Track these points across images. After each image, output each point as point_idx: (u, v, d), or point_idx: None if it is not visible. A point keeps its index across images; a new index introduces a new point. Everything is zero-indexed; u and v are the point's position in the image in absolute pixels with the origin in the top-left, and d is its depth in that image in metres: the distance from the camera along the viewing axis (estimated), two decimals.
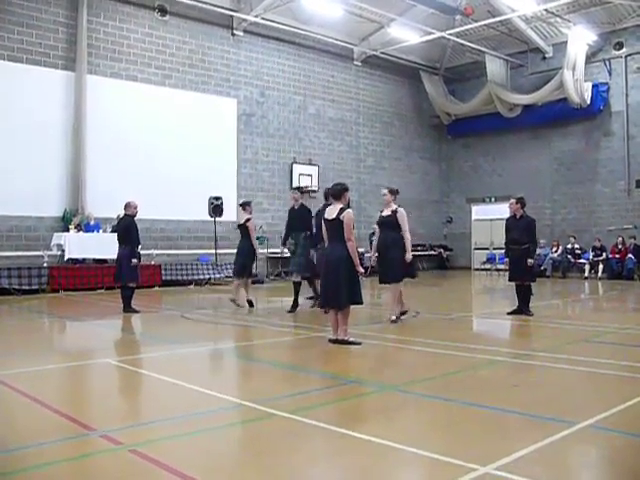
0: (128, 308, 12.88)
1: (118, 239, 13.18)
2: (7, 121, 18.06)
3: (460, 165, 30.46)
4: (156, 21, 21.32)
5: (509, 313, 12.12)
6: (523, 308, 12.04)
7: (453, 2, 23.85)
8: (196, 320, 12.07)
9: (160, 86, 21.33)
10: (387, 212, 10.97)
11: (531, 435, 4.73)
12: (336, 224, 8.69)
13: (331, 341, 8.92)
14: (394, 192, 11.28)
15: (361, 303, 9.00)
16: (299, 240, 12.68)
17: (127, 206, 13.17)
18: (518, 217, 12.16)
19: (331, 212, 8.82)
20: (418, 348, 8.94)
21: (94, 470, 4.30)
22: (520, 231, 11.98)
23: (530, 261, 11.82)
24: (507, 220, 12.44)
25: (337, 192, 8.93)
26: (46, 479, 4.11)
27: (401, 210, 10.83)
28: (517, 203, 12.20)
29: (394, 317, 10.84)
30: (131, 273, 12.78)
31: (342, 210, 8.70)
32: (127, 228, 12.89)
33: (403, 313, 11.23)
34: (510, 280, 12.38)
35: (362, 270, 8.91)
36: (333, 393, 6.36)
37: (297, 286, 12.75)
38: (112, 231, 18.93)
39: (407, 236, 10.75)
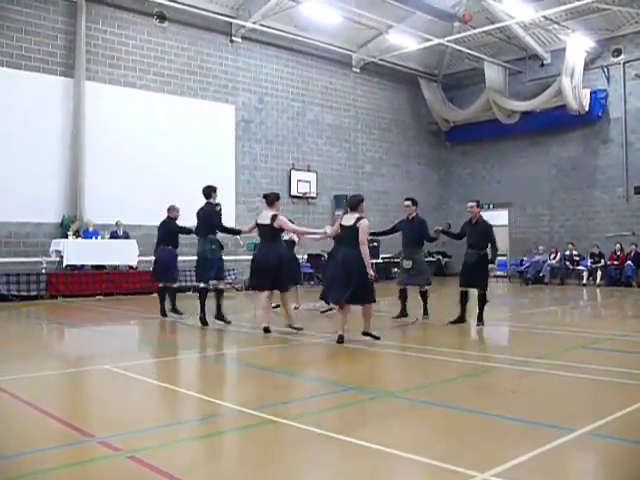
0: (174, 308, 13.25)
1: (160, 239, 13.47)
2: (6, 127, 18.06)
3: (459, 172, 30.48)
4: (155, 28, 21.35)
5: (451, 322, 11.58)
6: (478, 317, 11.49)
7: (451, 9, 23.92)
8: (195, 326, 12.05)
9: (159, 92, 21.35)
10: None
11: (529, 442, 4.74)
12: (352, 230, 9.54)
13: (340, 341, 9.40)
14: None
15: (374, 301, 9.68)
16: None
17: (171, 209, 13.56)
18: (474, 222, 11.66)
19: (348, 220, 9.72)
20: (416, 355, 8.95)
21: (92, 477, 4.31)
22: (477, 236, 11.49)
23: (491, 266, 11.44)
24: (464, 225, 12.01)
25: (354, 203, 9.90)
26: None
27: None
28: (478, 206, 11.78)
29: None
30: (173, 273, 13.26)
31: (359, 219, 9.59)
32: (170, 228, 13.30)
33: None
34: (461, 286, 11.83)
35: (372, 273, 9.54)
36: (332, 399, 6.36)
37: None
38: (111, 237, 19.01)
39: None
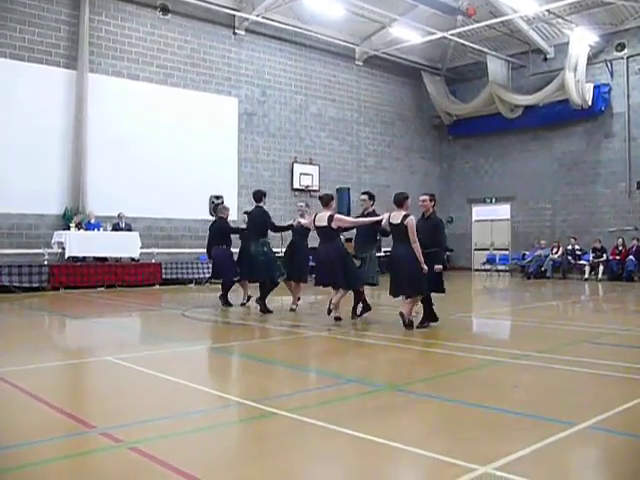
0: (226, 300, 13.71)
1: (213, 239, 13.88)
2: (8, 119, 18.07)
3: (461, 165, 30.45)
4: (158, 20, 21.33)
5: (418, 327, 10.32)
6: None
7: (455, 2, 23.82)
8: (196, 319, 12.06)
9: (161, 85, 21.35)
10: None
11: (531, 435, 4.73)
12: (401, 228, 9.79)
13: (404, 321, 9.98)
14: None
15: (424, 294, 10.13)
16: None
17: (221, 209, 14.19)
18: (426, 217, 10.55)
19: (396, 217, 9.93)
20: (418, 348, 8.95)
21: (94, 468, 4.31)
22: (426, 233, 10.19)
23: (438, 267, 10.22)
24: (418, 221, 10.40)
25: (399, 200, 10.01)
26: (46, 476, 4.11)
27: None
28: (431, 200, 10.53)
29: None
30: (232, 271, 13.60)
31: (406, 216, 9.79)
32: (223, 229, 13.78)
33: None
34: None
35: (426, 267, 9.78)
36: (333, 392, 6.36)
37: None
38: (113, 229, 19.02)
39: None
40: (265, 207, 12.68)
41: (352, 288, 11.15)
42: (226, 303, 13.56)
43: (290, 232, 13.14)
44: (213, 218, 13.50)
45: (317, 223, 11.05)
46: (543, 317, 12.27)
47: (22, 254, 18.02)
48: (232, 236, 13.94)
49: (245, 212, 13.62)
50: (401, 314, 9.97)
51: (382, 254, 16.99)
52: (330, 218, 10.88)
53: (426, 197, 10.57)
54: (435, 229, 10.44)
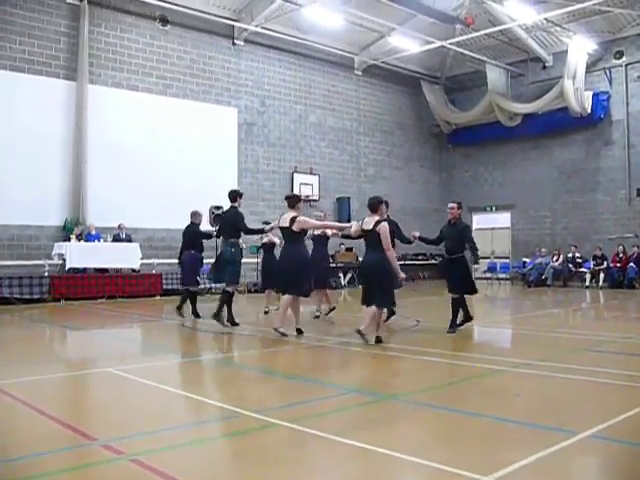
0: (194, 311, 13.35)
1: (184, 244, 13.69)
2: (8, 130, 18.10)
3: (461, 174, 30.46)
4: (157, 31, 21.39)
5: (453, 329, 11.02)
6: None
7: (453, 11, 23.91)
8: (196, 329, 12.06)
9: (161, 95, 21.39)
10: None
11: (532, 445, 4.73)
12: (374, 234, 9.38)
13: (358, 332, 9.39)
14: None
15: (390, 307, 10.19)
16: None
17: (194, 214, 13.75)
18: (453, 223, 11.25)
19: (368, 223, 9.50)
20: (418, 357, 8.93)
21: None
22: (453, 238, 11.05)
23: (475, 266, 10.92)
24: (444, 227, 11.53)
25: (374, 205, 9.67)
26: None
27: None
28: (459, 208, 11.30)
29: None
30: (197, 276, 13.52)
31: (378, 222, 9.41)
32: (193, 234, 13.52)
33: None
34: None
35: (404, 275, 9.77)
36: (334, 402, 6.35)
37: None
38: (113, 240, 19.03)
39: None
40: (240, 208, 12.08)
41: (303, 295, 10.68)
42: (193, 313, 13.09)
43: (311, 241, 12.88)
44: (213, 229, 13.40)
45: (280, 224, 10.70)
46: (544, 325, 12.26)
47: (22, 265, 18.02)
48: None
49: (216, 214, 13.47)
50: (359, 332, 9.30)
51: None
52: (292, 220, 10.39)
53: (454, 205, 11.31)
54: (462, 234, 11.06)
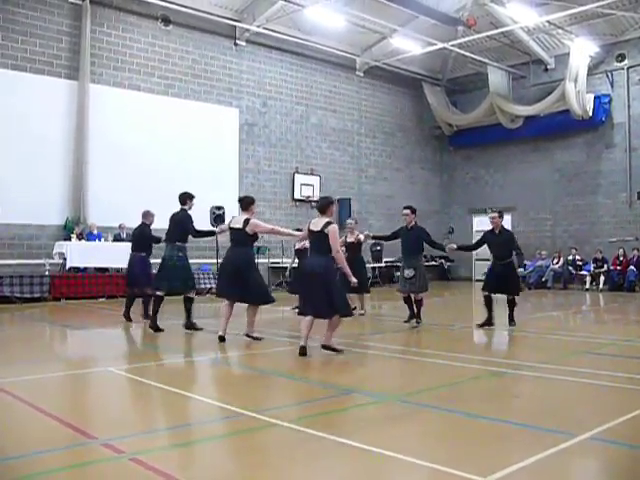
0: (146, 314, 12.70)
1: (133, 245, 13.42)
2: (10, 129, 18.10)
3: (462, 176, 30.45)
4: (159, 31, 21.40)
5: (480, 325, 12.10)
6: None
7: (455, 13, 23.91)
8: (197, 329, 12.06)
9: (163, 95, 21.40)
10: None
11: (531, 446, 4.74)
12: (321, 236, 8.76)
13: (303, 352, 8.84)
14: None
15: (349, 315, 9.13)
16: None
17: (146, 215, 13.28)
18: (498, 232, 12.14)
19: (316, 224, 8.89)
20: (418, 358, 8.95)
21: (95, 479, 4.31)
22: (499, 246, 12.04)
23: (519, 270, 12.09)
24: (489, 236, 12.35)
25: (323, 206, 9.03)
26: None
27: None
28: (500, 217, 12.17)
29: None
30: (147, 280, 12.76)
31: (328, 224, 8.77)
32: (143, 235, 13.08)
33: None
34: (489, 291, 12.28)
35: (355, 280, 9.04)
36: (333, 403, 6.36)
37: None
38: (114, 240, 19.03)
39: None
40: (190, 211, 11.77)
41: (259, 303, 10.27)
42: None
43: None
44: (214, 229, 13.22)
45: (232, 225, 10.31)
46: (544, 328, 12.27)
47: (23, 264, 18.02)
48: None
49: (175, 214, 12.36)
50: (324, 347, 8.93)
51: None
52: (246, 221, 10.03)
53: (495, 214, 11.89)
54: (509, 241, 11.81)
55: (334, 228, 8.76)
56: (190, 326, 11.62)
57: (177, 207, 12.23)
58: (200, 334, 11.38)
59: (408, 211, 12.24)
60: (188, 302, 11.65)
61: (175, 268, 11.48)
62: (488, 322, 11.88)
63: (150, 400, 6.65)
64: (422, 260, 12.52)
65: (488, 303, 12.03)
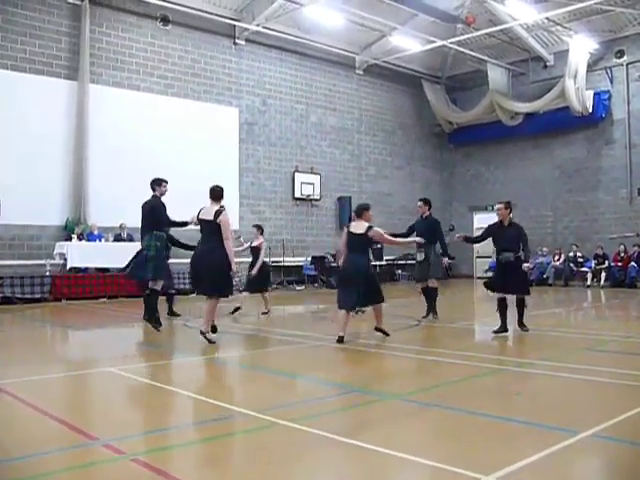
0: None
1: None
2: (10, 130, 18.10)
3: (462, 173, 30.46)
4: (158, 30, 21.38)
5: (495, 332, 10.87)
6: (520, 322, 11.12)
7: (455, 11, 23.91)
8: (198, 329, 12.05)
9: (162, 95, 21.38)
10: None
11: (533, 444, 4.73)
12: (212, 224, 9.57)
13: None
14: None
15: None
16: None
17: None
18: (507, 224, 11.42)
19: (207, 213, 9.69)
20: (421, 357, 8.94)
21: (96, 479, 4.30)
22: (509, 240, 11.13)
23: (526, 265, 10.84)
24: (495, 228, 11.56)
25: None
26: None
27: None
28: (506, 208, 11.45)
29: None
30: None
31: (219, 212, 9.60)
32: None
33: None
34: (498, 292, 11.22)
35: (234, 269, 9.65)
36: (336, 402, 6.35)
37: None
38: (115, 240, 19.02)
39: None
40: (163, 197, 11.27)
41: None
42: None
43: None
44: (186, 219, 12.50)
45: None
46: (545, 325, 12.25)
47: (24, 265, 18.02)
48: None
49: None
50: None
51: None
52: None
53: (501, 205, 11.66)
54: (520, 235, 11.32)
55: (226, 216, 9.62)
56: (151, 319, 11.06)
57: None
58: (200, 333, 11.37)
59: (421, 203, 13.09)
60: (154, 295, 11.14)
61: (150, 258, 10.93)
62: (503, 329, 10.88)
63: (151, 400, 6.64)
64: (435, 250, 12.64)
65: (502, 309, 10.95)
